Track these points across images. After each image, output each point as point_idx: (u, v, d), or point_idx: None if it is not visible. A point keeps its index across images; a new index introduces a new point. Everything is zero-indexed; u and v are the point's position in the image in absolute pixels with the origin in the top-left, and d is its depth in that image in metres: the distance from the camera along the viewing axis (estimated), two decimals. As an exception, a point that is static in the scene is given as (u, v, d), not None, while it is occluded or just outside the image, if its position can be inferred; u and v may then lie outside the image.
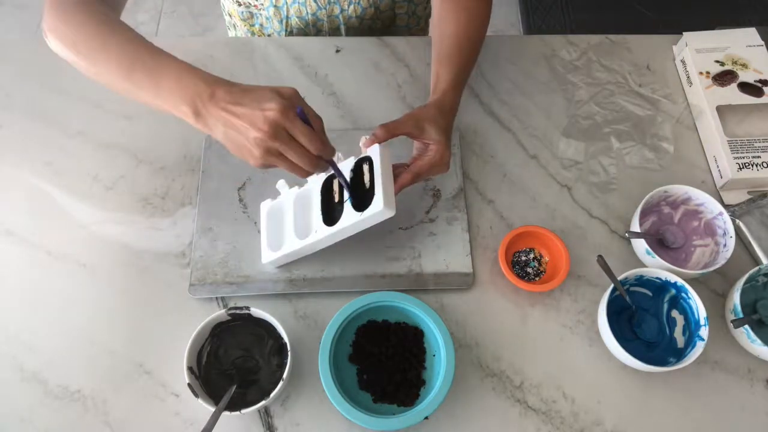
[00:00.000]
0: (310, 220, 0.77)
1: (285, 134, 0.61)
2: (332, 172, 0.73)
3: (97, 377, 0.74)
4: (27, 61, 0.97)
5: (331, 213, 0.76)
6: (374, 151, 0.74)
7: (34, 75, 0.95)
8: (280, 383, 0.68)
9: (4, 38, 2.09)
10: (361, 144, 0.76)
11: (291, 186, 0.81)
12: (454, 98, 0.80)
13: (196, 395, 0.67)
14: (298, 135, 0.61)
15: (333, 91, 0.95)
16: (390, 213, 0.71)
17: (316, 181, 0.79)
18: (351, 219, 0.72)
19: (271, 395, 0.67)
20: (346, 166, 0.77)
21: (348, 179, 0.75)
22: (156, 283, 0.79)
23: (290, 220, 0.78)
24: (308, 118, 0.63)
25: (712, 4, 1.79)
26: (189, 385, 0.68)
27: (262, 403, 0.67)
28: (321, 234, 0.75)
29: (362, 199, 0.73)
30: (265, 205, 0.82)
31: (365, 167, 0.75)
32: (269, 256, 0.78)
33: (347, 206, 0.74)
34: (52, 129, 0.90)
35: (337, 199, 0.76)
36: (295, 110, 0.61)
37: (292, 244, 0.76)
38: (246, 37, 1.09)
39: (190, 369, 0.69)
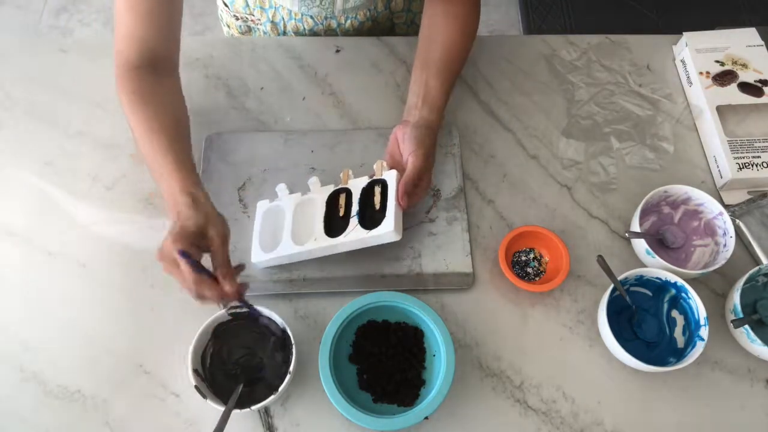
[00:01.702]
0: (310, 228, 0.78)
1: (169, 259, 0.64)
2: (337, 187, 0.80)
3: (97, 377, 0.74)
4: (27, 61, 0.97)
5: (332, 225, 0.78)
6: (391, 177, 0.78)
7: (34, 75, 0.95)
8: (288, 376, 0.68)
9: (4, 38, 2.09)
10: (375, 167, 0.80)
11: (291, 191, 0.82)
12: (442, 117, 0.83)
13: (204, 397, 0.67)
14: (176, 263, 0.64)
15: (333, 91, 0.95)
16: (397, 237, 0.75)
17: (321, 191, 0.81)
18: (357, 235, 0.75)
19: (280, 389, 0.67)
20: (358, 184, 0.79)
21: (356, 197, 0.78)
22: (156, 283, 0.79)
23: (288, 225, 0.79)
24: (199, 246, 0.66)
25: (712, 4, 1.79)
26: (196, 387, 0.67)
27: (272, 398, 0.67)
28: (321, 243, 0.76)
29: (370, 218, 0.76)
30: (262, 206, 0.83)
31: (377, 189, 0.78)
32: (260, 256, 0.79)
33: (353, 222, 0.76)
34: (52, 129, 0.90)
35: (341, 214, 0.78)
36: (177, 253, 0.63)
37: (287, 248, 0.77)
38: (246, 37, 1.09)
39: (195, 371, 0.69)
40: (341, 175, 0.82)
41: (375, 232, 0.74)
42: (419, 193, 0.79)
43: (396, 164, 0.80)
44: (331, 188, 0.81)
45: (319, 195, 0.81)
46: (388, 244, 0.81)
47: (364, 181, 0.80)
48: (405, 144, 0.79)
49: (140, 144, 0.74)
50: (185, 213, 0.67)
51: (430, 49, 0.85)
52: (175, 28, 0.80)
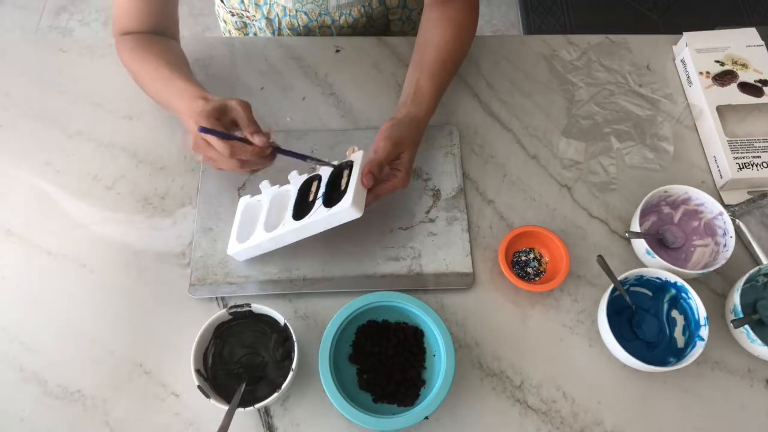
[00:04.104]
0: (283, 216, 0.77)
1: (202, 143, 0.72)
2: (310, 175, 0.78)
3: (97, 377, 0.74)
4: (27, 61, 0.97)
5: (302, 210, 0.76)
6: (357, 157, 0.77)
7: (34, 75, 0.95)
8: (291, 373, 0.68)
9: (4, 38, 2.10)
10: (347, 152, 0.79)
11: (273, 185, 0.82)
12: (430, 115, 0.83)
13: (208, 396, 0.67)
14: (209, 143, 0.71)
15: (333, 91, 0.95)
16: (356, 213, 0.72)
17: (297, 182, 0.80)
18: (319, 215, 0.73)
19: (283, 386, 0.67)
20: (328, 169, 0.78)
21: (326, 180, 0.77)
22: (156, 283, 0.79)
23: (262, 216, 0.79)
24: (223, 121, 0.72)
25: (712, 4, 1.78)
26: (199, 387, 0.67)
27: (275, 395, 0.67)
28: (288, 227, 0.75)
29: (335, 199, 0.74)
30: (243, 201, 0.83)
31: (345, 172, 0.76)
32: (234, 247, 0.78)
33: (318, 203, 0.75)
34: (52, 129, 0.90)
35: (311, 198, 0.77)
36: (199, 132, 0.69)
37: (258, 237, 0.77)
38: (246, 37, 1.09)
39: (198, 372, 0.69)
40: (347, 152, 0.80)
41: (335, 209, 0.72)
42: (394, 182, 0.77)
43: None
44: (305, 177, 0.80)
45: (293, 185, 0.80)
46: (388, 244, 0.81)
47: (334, 164, 0.79)
48: (380, 132, 0.78)
49: (147, 84, 0.82)
50: (203, 105, 0.72)
51: (425, 51, 0.85)
52: (171, 5, 0.88)
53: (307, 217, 0.74)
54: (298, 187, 0.79)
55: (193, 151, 0.73)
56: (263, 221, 0.78)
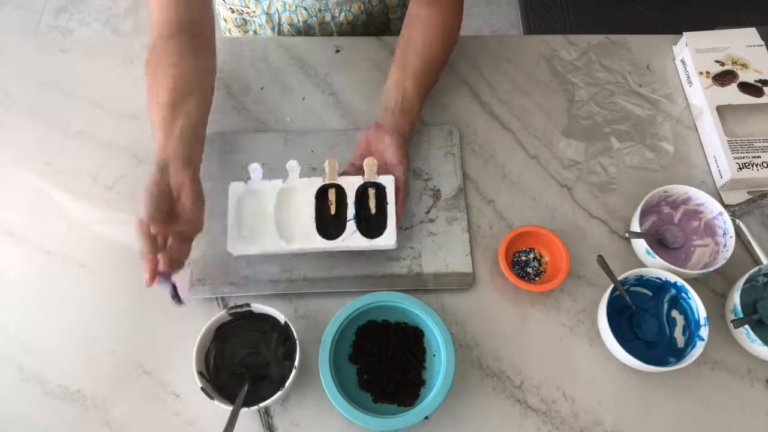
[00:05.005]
0: (299, 225, 0.77)
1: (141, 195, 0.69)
2: (325, 182, 0.79)
3: (97, 377, 0.74)
4: (27, 61, 0.97)
5: (324, 224, 0.77)
6: (388, 182, 0.79)
7: (34, 75, 0.95)
8: (293, 371, 0.68)
9: (4, 38, 2.09)
10: (327, 167, 0.79)
11: (264, 173, 0.81)
12: (415, 124, 0.84)
13: (212, 398, 0.67)
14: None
15: (333, 91, 0.95)
16: (395, 246, 0.77)
17: (307, 186, 0.79)
18: (355, 242, 0.76)
19: (286, 385, 0.67)
20: (351, 183, 0.79)
21: (350, 196, 0.78)
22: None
23: (271, 218, 0.77)
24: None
25: (712, 4, 1.78)
26: (202, 389, 0.67)
27: (278, 394, 0.67)
28: (315, 244, 0.76)
29: (366, 222, 0.77)
30: (236, 188, 0.79)
31: (371, 191, 0.78)
32: (241, 249, 0.76)
33: (350, 226, 0.76)
34: (52, 129, 0.90)
35: (333, 212, 0.78)
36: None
37: (275, 245, 0.76)
38: (246, 37, 1.09)
39: (200, 374, 0.69)
40: (325, 165, 0.79)
41: (377, 242, 0.76)
42: (399, 199, 0.81)
43: (359, 168, 0.80)
44: (316, 181, 0.79)
45: (300, 183, 0.79)
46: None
47: (357, 181, 0.79)
48: (389, 153, 0.80)
49: (150, 105, 0.76)
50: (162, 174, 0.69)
51: (410, 53, 0.85)
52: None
53: (340, 239, 0.76)
54: (314, 194, 0.79)
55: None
56: (274, 225, 0.77)
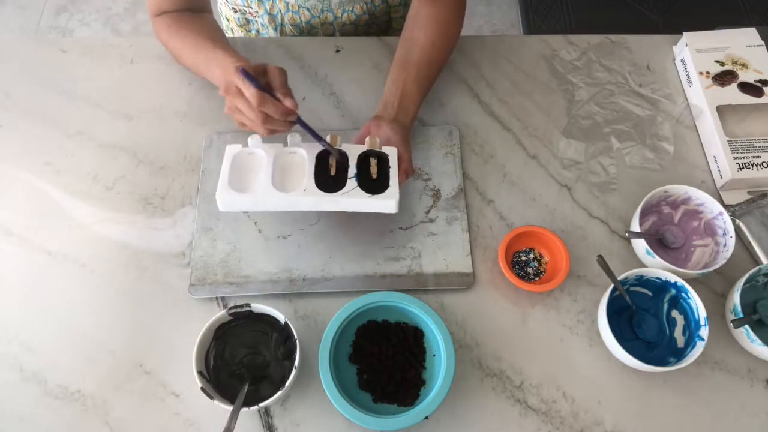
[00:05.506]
0: (296, 178, 0.75)
1: (233, 89, 0.70)
2: (322, 147, 0.76)
3: (97, 377, 0.74)
4: (27, 61, 0.97)
5: (323, 181, 0.74)
6: (392, 152, 0.77)
7: (34, 75, 0.95)
8: (294, 371, 0.68)
9: (4, 38, 2.09)
10: (329, 138, 0.77)
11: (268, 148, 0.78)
12: (413, 121, 0.85)
13: (212, 398, 0.67)
14: (241, 91, 0.70)
15: (333, 91, 0.95)
16: (396, 209, 0.74)
17: (308, 149, 0.77)
18: (357, 196, 0.73)
19: (287, 384, 0.67)
20: (353, 150, 0.77)
21: (352, 161, 0.76)
22: (156, 283, 0.79)
23: (267, 170, 0.74)
24: (259, 82, 0.70)
25: (712, 4, 1.78)
26: (202, 389, 0.67)
27: (279, 394, 0.67)
28: (312, 195, 0.73)
29: (369, 185, 0.74)
30: (233, 149, 0.76)
31: (372, 160, 0.76)
32: (227, 195, 0.72)
33: (351, 182, 0.74)
34: (52, 129, 0.90)
35: (333, 173, 0.76)
36: (239, 72, 0.68)
37: (265, 192, 0.73)
38: (246, 37, 1.09)
39: (200, 374, 0.69)
40: (327, 138, 0.77)
41: (379, 197, 0.73)
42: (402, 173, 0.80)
43: None
44: (317, 146, 0.76)
45: (302, 150, 0.77)
46: (388, 244, 0.81)
47: (359, 148, 0.77)
48: (392, 139, 0.79)
49: (189, 57, 0.86)
50: (245, 62, 0.73)
51: (412, 50, 0.85)
52: None
53: (340, 192, 0.73)
54: (314, 154, 0.76)
55: (223, 95, 0.72)
56: (269, 178, 0.74)
